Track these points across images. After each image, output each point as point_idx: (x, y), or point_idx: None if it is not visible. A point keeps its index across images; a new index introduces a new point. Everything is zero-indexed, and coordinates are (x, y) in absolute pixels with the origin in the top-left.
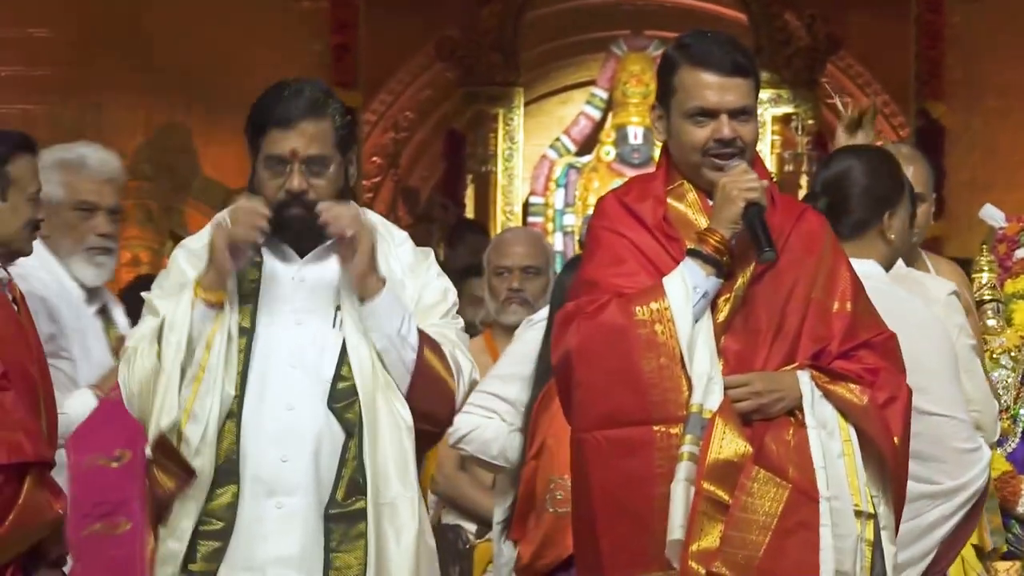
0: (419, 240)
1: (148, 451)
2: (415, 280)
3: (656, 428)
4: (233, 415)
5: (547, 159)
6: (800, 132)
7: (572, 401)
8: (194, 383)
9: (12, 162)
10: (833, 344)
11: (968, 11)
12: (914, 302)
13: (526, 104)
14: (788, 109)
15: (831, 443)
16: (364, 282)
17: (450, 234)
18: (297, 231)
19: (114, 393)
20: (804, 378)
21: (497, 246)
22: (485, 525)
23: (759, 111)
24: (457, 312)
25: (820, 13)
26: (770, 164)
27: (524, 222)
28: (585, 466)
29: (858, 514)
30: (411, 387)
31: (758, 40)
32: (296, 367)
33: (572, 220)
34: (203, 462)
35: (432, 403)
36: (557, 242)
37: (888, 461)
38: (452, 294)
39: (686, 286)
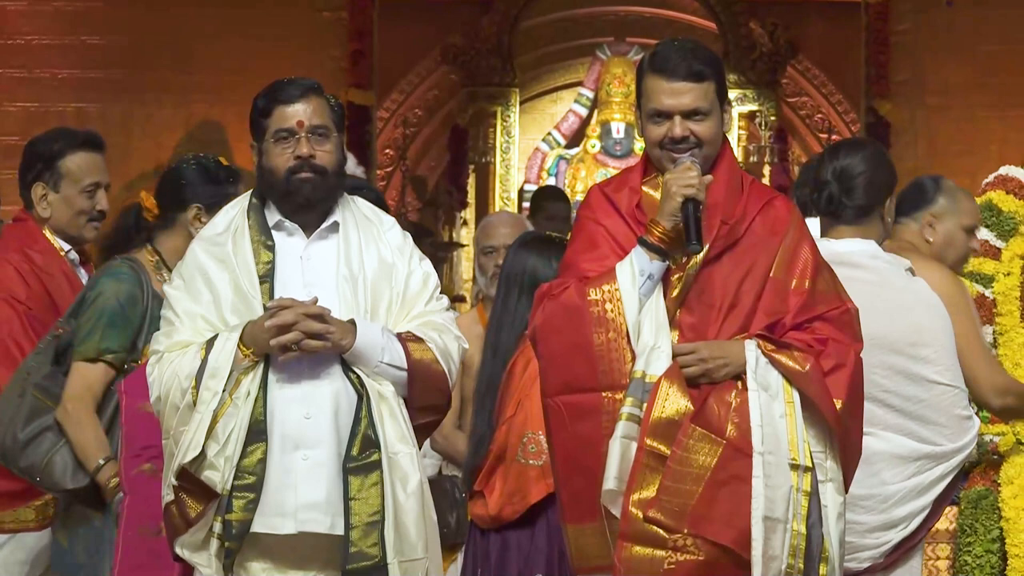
0: (427, 221)
1: (172, 479)
2: (403, 260)
3: (604, 394)
4: (261, 386)
5: (540, 151)
6: (763, 127)
7: (540, 371)
8: (221, 408)
9: (66, 158)
10: (788, 317)
11: (913, 20)
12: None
13: (521, 103)
14: (753, 107)
15: (773, 404)
16: (339, 348)
17: (532, 202)
18: (307, 196)
19: None
20: (750, 346)
21: (484, 228)
22: None
23: None
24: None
25: (781, 22)
26: (736, 156)
27: (519, 207)
28: (549, 428)
29: (794, 467)
30: (409, 391)
31: (726, 46)
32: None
33: None
34: (221, 477)
35: (430, 397)
36: None
37: (829, 422)
38: (433, 278)
39: (633, 271)
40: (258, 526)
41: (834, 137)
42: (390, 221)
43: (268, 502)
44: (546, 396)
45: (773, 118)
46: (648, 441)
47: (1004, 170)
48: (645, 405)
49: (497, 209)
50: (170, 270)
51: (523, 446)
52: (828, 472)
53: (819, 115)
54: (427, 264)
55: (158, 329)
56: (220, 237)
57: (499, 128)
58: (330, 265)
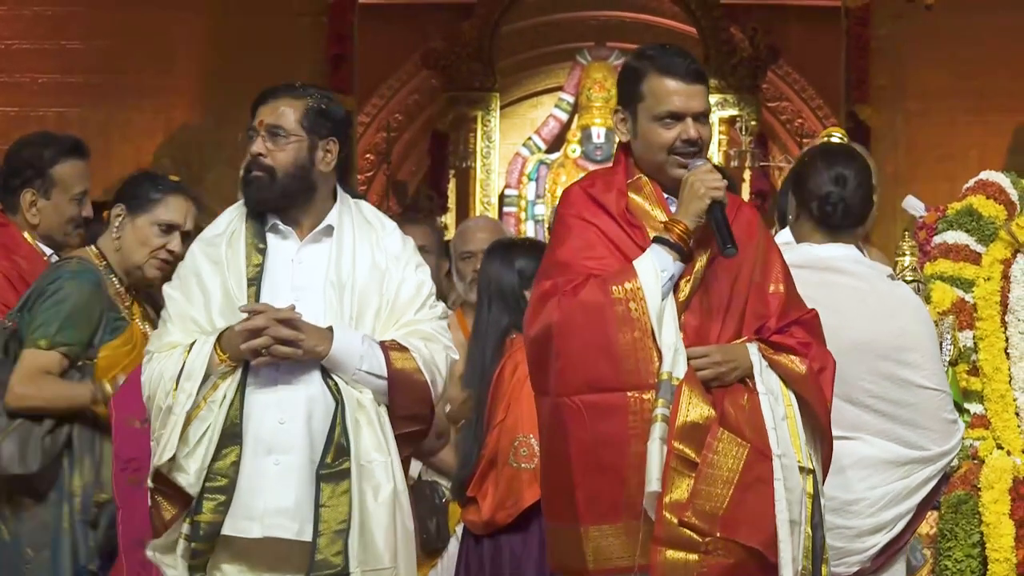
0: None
1: (149, 482)
2: (398, 267)
3: (630, 394)
4: (238, 390)
5: (520, 156)
6: (744, 132)
7: (552, 370)
8: (195, 410)
9: (57, 165)
10: (771, 321)
11: (892, 26)
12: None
13: (502, 107)
14: (733, 112)
15: (777, 407)
16: (313, 355)
17: None
18: (253, 196)
19: None
20: (753, 349)
21: (461, 233)
22: None
23: None
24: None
25: (761, 27)
26: (716, 160)
27: (500, 212)
28: (564, 427)
29: (801, 470)
30: (390, 400)
31: (706, 51)
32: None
33: (542, 210)
34: (187, 479)
35: (412, 406)
36: (529, 229)
37: (822, 422)
38: (428, 286)
39: (655, 269)
40: (228, 529)
41: (804, 141)
42: (391, 226)
43: (239, 505)
44: (560, 396)
45: (753, 123)
46: (676, 444)
47: (984, 175)
48: (671, 407)
49: (478, 214)
50: (116, 275)
51: (515, 450)
52: (818, 474)
53: (799, 120)
54: (424, 272)
55: (113, 330)
56: (218, 239)
57: (480, 133)
58: (320, 269)
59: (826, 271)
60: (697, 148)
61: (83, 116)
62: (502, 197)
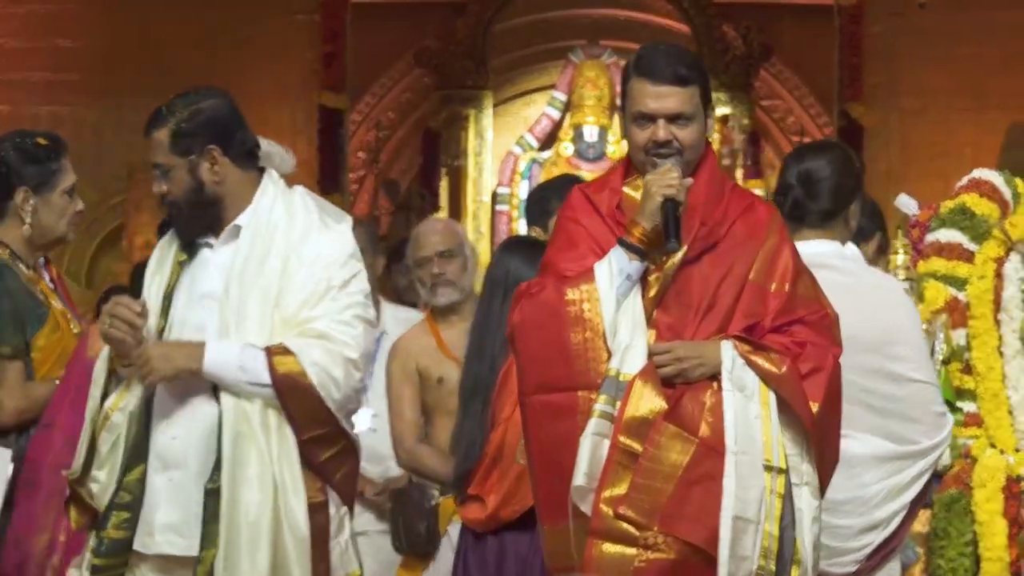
0: (399, 225)
1: (66, 488)
2: (306, 265)
3: (580, 394)
4: (142, 406)
5: (513, 154)
6: (736, 131)
7: (517, 369)
8: (103, 422)
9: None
10: (767, 320)
11: (885, 23)
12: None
13: (494, 106)
14: (726, 110)
15: (749, 405)
16: (184, 372)
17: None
18: (176, 227)
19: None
20: (727, 347)
21: (415, 240)
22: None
23: None
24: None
25: (754, 25)
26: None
27: (492, 211)
28: (527, 426)
29: (768, 468)
30: (281, 404)
31: (699, 49)
32: (210, 334)
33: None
34: (87, 492)
35: (304, 411)
36: (521, 228)
37: (806, 424)
38: (336, 282)
39: (611, 270)
40: (136, 544)
41: (806, 140)
42: (317, 223)
43: (143, 521)
44: (522, 395)
45: (746, 121)
46: (621, 439)
47: (977, 173)
48: (619, 403)
49: (470, 213)
50: (23, 261)
51: (522, 446)
52: (804, 475)
53: (792, 118)
54: (346, 271)
55: (38, 318)
56: (160, 247)
57: (472, 131)
58: (217, 275)
59: (812, 267)
60: (672, 150)
61: (76, 114)
62: (494, 195)
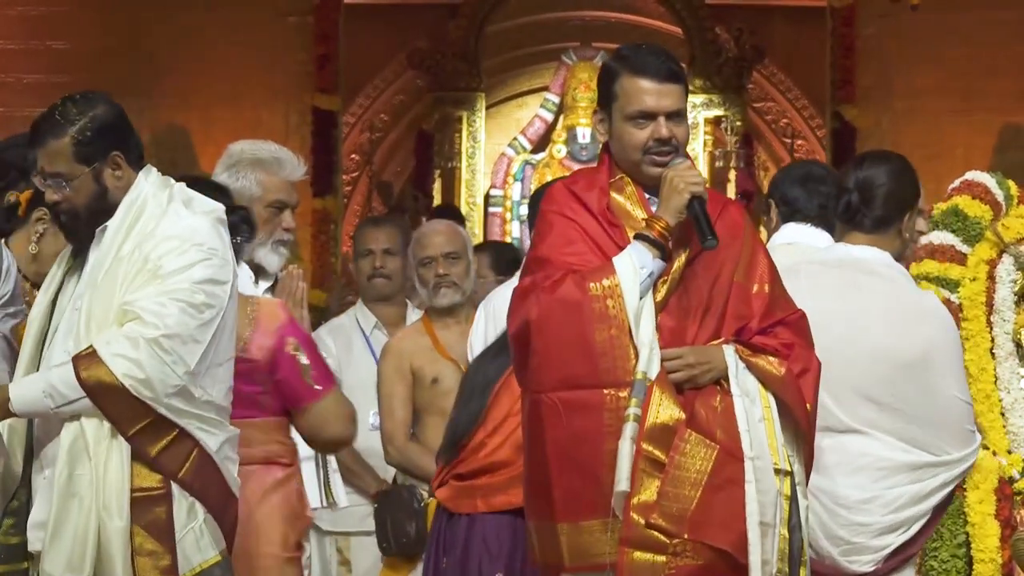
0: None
1: None
2: (156, 252)
3: (606, 391)
4: None
5: (506, 156)
6: (729, 132)
7: (529, 366)
8: None
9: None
10: (753, 322)
11: (878, 25)
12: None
13: (487, 107)
14: (719, 112)
15: (753, 409)
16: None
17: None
18: (71, 237)
19: None
20: (729, 351)
21: (419, 240)
22: None
23: (692, 114)
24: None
25: (747, 27)
26: (702, 161)
27: (485, 213)
28: (540, 424)
29: (777, 472)
30: (98, 407)
31: (692, 51)
32: (70, 342)
33: (528, 210)
34: None
35: (117, 408)
36: (514, 230)
37: (802, 424)
38: (175, 264)
39: (634, 266)
40: (29, 545)
41: (799, 142)
42: (170, 213)
43: (29, 521)
44: (536, 392)
45: (739, 123)
46: (645, 446)
47: (970, 175)
48: (643, 408)
49: (464, 214)
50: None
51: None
52: (797, 476)
53: (785, 120)
54: (184, 259)
55: None
56: (47, 283)
57: (465, 133)
58: (84, 280)
59: (857, 271)
60: (671, 147)
61: None
62: (487, 197)
